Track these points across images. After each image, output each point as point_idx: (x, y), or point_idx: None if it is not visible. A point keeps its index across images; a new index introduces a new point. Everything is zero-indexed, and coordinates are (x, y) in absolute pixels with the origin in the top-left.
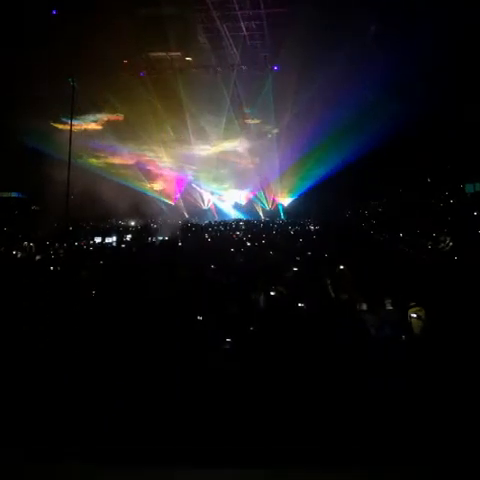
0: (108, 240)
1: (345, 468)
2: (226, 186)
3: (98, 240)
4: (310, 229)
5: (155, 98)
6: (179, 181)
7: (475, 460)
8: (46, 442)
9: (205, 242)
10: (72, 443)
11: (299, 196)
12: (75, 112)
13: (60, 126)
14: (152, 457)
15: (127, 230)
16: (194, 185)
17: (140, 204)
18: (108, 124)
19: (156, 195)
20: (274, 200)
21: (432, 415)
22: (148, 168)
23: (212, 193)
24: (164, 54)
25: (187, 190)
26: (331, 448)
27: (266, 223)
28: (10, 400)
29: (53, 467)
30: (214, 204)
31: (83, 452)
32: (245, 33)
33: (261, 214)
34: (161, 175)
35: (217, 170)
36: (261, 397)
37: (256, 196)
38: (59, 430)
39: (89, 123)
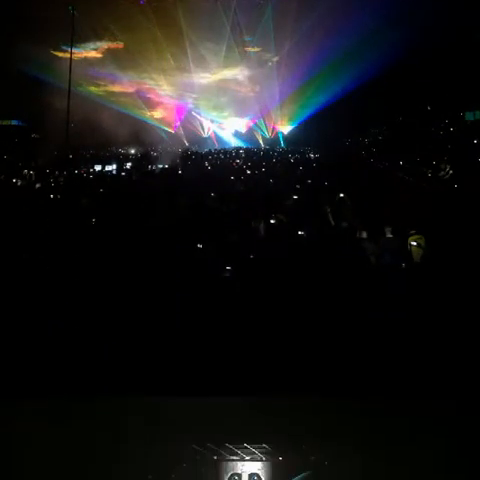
0: (108, 168)
1: (344, 399)
2: (226, 114)
3: (98, 168)
4: (310, 157)
5: (155, 26)
6: (179, 109)
7: (474, 391)
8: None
9: (205, 170)
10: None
11: (299, 124)
12: (75, 40)
13: (60, 54)
14: (151, 387)
15: (127, 158)
16: (194, 113)
17: (140, 132)
18: (108, 52)
19: (156, 123)
20: (274, 128)
21: (432, 346)
22: (148, 96)
23: (212, 121)
24: None
25: (187, 118)
26: (330, 378)
27: (266, 151)
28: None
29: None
30: (214, 132)
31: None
32: None
33: (261, 142)
34: (161, 103)
35: (217, 98)
36: (261, 325)
37: (256, 124)
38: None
39: (89, 51)
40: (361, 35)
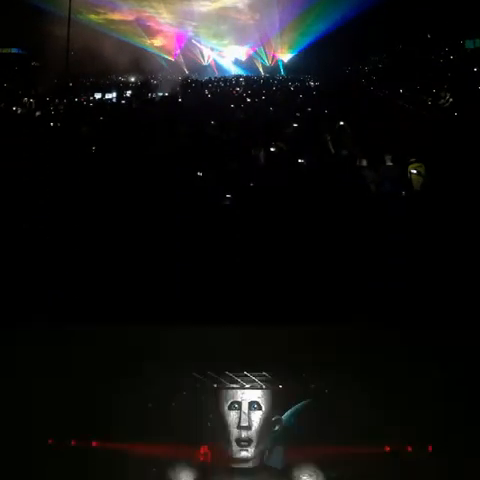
0: (108, 96)
1: (344, 328)
2: (226, 42)
3: (98, 96)
4: (310, 85)
5: None
6: (179, 37)
7: (474, 320)
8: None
9: (205, 98)
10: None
11: (299, 52)
12: None
13: None
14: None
15: (127, 86)
16: (194, 41)
17: (140, 60)
18: None
19: (156, 51)
20: (274, 56)
21: (432, 274)
22: (148, 24)
23: (212, 49)
24: None
25: (187, 46)
26: (331, 306)
27: (266, 79)
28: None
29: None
30: (214, 60)
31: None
32: None
33: (261, 70)
34: (161, 31)
35: (217, 26)
36: (261, 255)
37: (256, 52)
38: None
39: None
40: None
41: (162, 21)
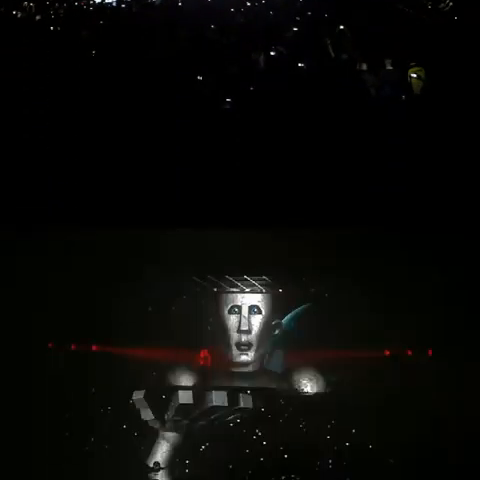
0: (108, 0)
1: (344, 231)
2: None
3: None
4: None
5: None
6: None
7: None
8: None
9: (205, 1)
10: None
11: None
12: None
13: None
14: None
15: None
16: None
17: None
18: None
19: None
20: None
21: (431, 178)
22: None
23: None
24: None
25: None
26: (331, 209)
27: None
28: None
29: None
30: None
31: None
32: None
33: None
34: None
35: None
36: (261, 158)
37: None
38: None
39: None
40: None
41: None
